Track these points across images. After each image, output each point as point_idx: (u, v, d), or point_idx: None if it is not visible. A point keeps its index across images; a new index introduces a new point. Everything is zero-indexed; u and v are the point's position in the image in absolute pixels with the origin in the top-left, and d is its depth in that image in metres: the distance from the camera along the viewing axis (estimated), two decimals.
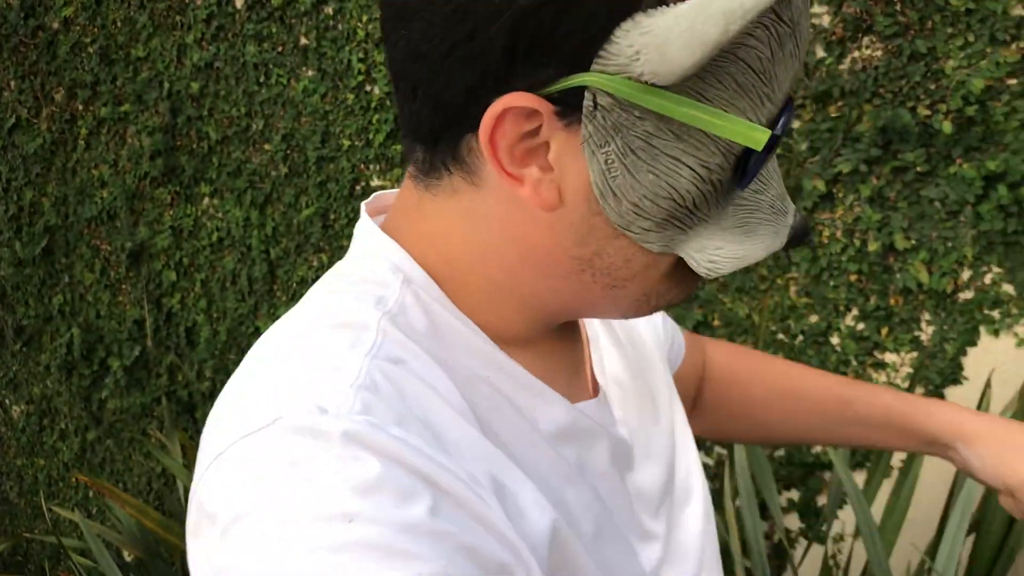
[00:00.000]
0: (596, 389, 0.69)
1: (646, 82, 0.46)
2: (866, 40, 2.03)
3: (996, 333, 1.96)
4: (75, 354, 3.56)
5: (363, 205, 0.63)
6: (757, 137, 0.48)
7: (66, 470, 3.81)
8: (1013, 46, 1.86)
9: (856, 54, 2.04)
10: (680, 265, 0.55)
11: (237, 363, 3.22)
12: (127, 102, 3.29)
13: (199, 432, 3.07)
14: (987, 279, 1.96)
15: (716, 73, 0.47)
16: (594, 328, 0.73)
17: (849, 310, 2.14)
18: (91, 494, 3.78)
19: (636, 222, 0.51)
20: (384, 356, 0.51)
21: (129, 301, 3.45)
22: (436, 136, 0.52)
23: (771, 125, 0.50)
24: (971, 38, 1.90)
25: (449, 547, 0.44)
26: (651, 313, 0.59)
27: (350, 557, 0.41)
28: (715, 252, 0.53)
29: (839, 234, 2.12)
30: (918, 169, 1.98)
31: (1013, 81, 1.87)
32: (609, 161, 0.49)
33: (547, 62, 0.46)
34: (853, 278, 2.12)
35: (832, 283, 2.14)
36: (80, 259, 3.54)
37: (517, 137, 0.49)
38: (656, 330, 0.84)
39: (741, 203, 0.54)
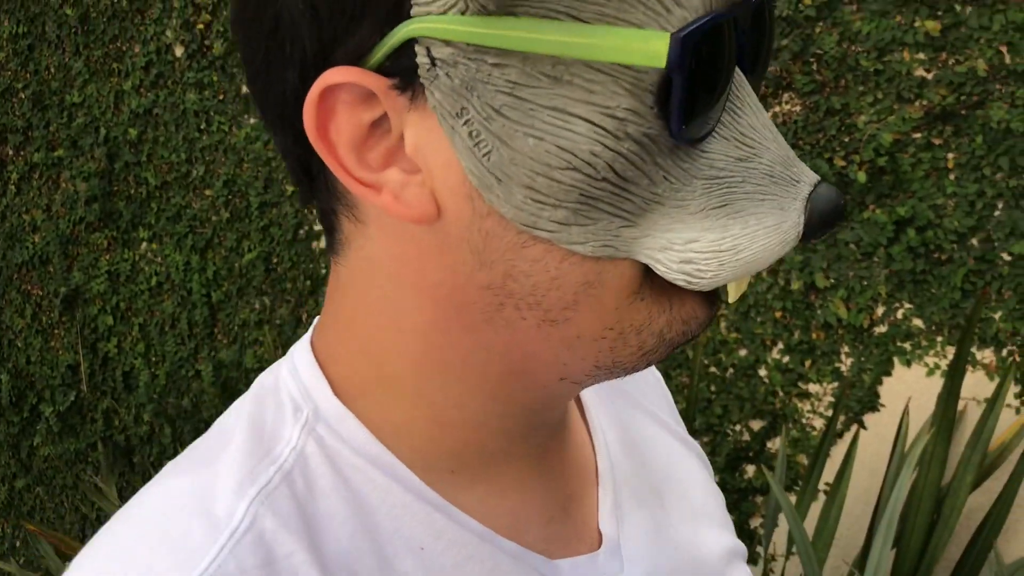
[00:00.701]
0: (600, 539, 0.51)
1: (483, 8, 0.34)
2: (786, 96, 2.21)
3: (908, 364, 2.14)
4: (3, 400, 3.52)
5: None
6: (651, 48, 0.34)
7: None
8: (917, 103, 2.06)
9: (777, 109, 2.22)
10: (652, 275, 0.40)
11: (176, 406, 3.24)
12: (61, 147, 3.30)
13: (136, 476, 3.08)
14: (899, 314, 2.14)
15: None
16: (611, 459, 0.55)
17: (775, 344, 2.30)
18: (18, 543, 3.71)
19: (540, 213, 0.36)
20: (242, 551, 0.40)
21: (62, 346, 3.43)
22: (307, 171, 0.42)
23: (685, 41, 0.34)
24: (880, 96, 2.09)
25: None
26: (647, 362, 0.42)
27: None
28: (688, 247, 0.37)
29: (764, 274, 2.28)
30: None
31: (918, 135, 2.07)
32: (474, 133, 0.36)
33: (357, 20, 0.35)
34: (778, 314, 2.28)
35: (759, 319, 2.30)
36: (9, 304, 3.51)
37: (360, 129, 0.37)
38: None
39: (715, 175, 0.38)
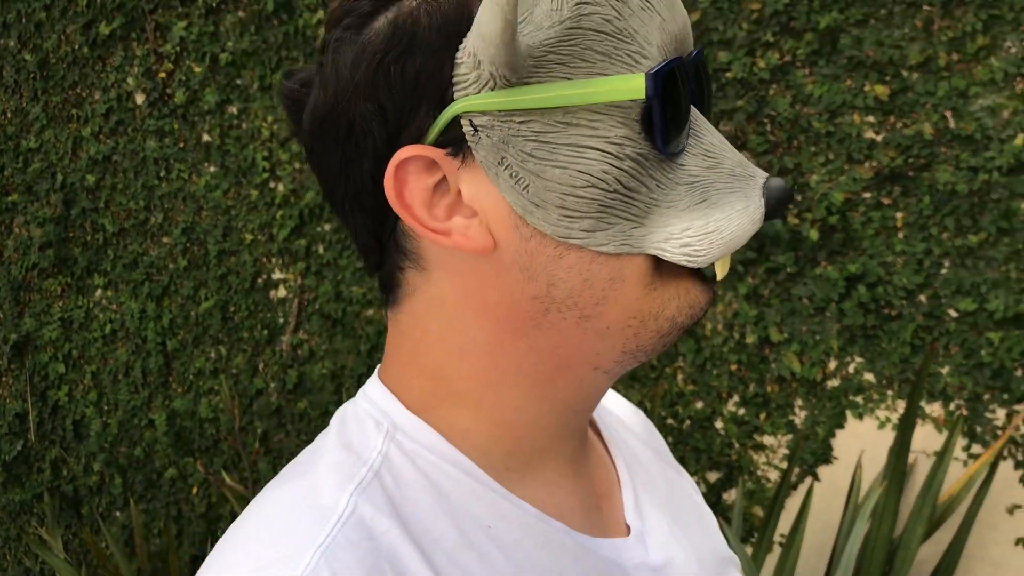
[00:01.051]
0: (628, 529, 0.62)
1: (504, 83, 0.46)
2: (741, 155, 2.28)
3: (860, 417, 2.19)
4: None
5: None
6: (633, 86, 0.46)
7: None
8: (867, 164, 2.13)
9: None
10: (661, 267, 0.51)
11: (128, 456, 3.18)
12: (16, 192, 3.27)
13: (84, 527, 3.01)
14: (851, 368, 2.20)
15: (573, 51, 0.46)
16: (628, 471, 0.66)
17: (731, 396, 2.34)
18: None
19: (573, 225, 0.48)
20: (349, 534, 0.48)
21: (10, 394, 3.37)
22: (378, 240, 0.53)
23: (655, 77, 0.48)
24: (831, 156, 2.17)
25: None
26: (663, 345, 0.53)
27: None
28: (684, 234, 0.49)
29: (720, 327, 2.33)
30: (788, 270, 2.22)
31: (868, 195, 2.13)
32: (514, 174, 0.47)
33: (415, 110, 0.47)
34: (734, 367, 2.32)
35: (715, 372, 2.34)
36: None
37: (427, 191, 0.48)
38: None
39: (693, 180, 0.50)
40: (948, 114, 2.06)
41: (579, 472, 0.60)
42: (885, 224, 2.12)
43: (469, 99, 0.47)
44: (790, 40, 2.19)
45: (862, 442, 2.18)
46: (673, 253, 0.49)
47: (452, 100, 0.47)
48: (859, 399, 2.19)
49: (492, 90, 0.46)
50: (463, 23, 0.47)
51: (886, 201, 2.13)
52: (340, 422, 0.57)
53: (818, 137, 2.17)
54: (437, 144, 0.48)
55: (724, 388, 2.34)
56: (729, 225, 0.50)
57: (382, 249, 0.53)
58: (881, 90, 2.10)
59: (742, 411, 2.32)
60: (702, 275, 0.53)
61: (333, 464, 0.52)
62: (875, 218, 2.12)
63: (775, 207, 0.51)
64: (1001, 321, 2.03)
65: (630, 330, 0.51)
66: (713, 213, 0.50)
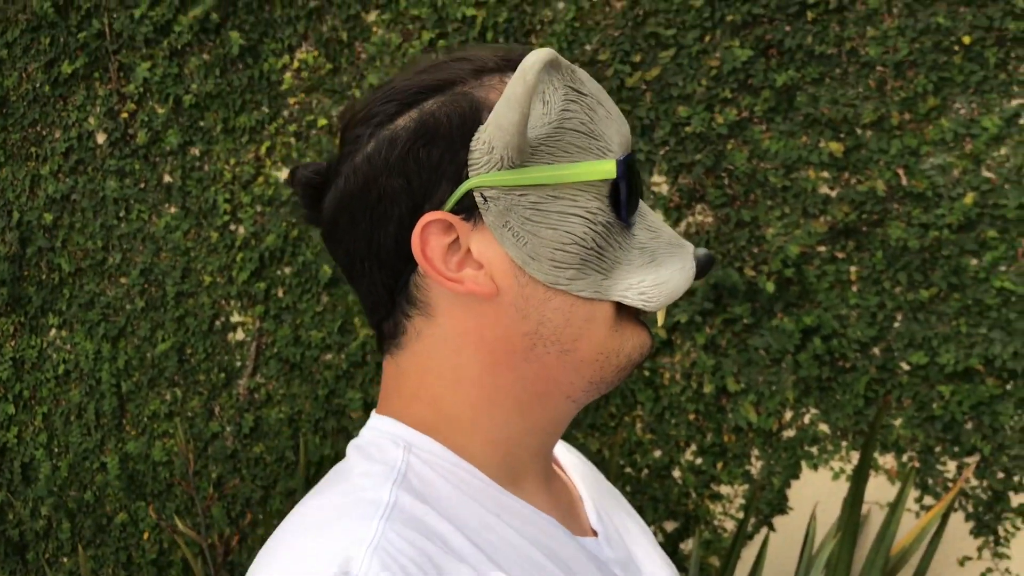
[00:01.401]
0: (595, 532, 0.74)
1: (509, 165, 0.60)
2: (699, 208, 2.32)
3: (815, 467, 2.21)
4: None
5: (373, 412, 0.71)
6: (606, 168, 0.62)
7: None
8: (822, 218, 2.17)
9: (691, 219, 2.32)
10: (621, 313, 0.65)
11: (78, 500, 3.12)
12: None
13: (30, 574, 2.94)
14: (806, 419, 2.22)
15: (558, 144, 0.61)
16: (587, 491, 0.78)
17: (688, 446, 2.36)
18: None
19: (560, 274, 0.62)
20: (397, 518, 0.57)
21: None
22: (391, 293, 0.65)
23: (621, 164, 0.64)
24: (787, 210, 2.21)
25: None
26: (619, 376, 0.66)
27: None
28: (640, 285, 0.63)
29: (678, 377, 2.35)
30: (745, 321, 2.25)
31: (823, 248, 2.18)
32: (516, 234, 0.61)
33: (437, 185, 0.61)
34: (692, 417, 2.34)
35: (673, 421, 2.36)
36: None
37: (444, 249, 0.61)
38: None
39: (643, 246, 0.65)
40: (900, 171, 2.12)
41: (549, 488, 0.72)
42: (839, 278, 2.17)
43: (480, 177, 0.60)
44: (748, 97, 2.24)
45: (817, 492, 2.20)
46: (633, 299, 0.63)
47: (467, 177, 0.61)
48: (814, 450, 2.21)
49: (499, 170, 0.60)
50: (475, 121, 0.61)
51: (840, 255, 2.17)
52: (357, 448, 0.67)
53: (774, 191, 2.22)
54: (453, 211, 0.61)
55: (682, 437, 2.35)
56: (672, 280, 0.65)
57: (392, 301, 0.65)
58: (836, 147, 2.15)
59: (699, 460, 2.34)
60: (644, 323, 0.67)
61: (365, 472, 0.62)
62: (830, 272, 2.16)
63: (702, 269, 0.67)
64: (952, 375, 2.07)
65: (597, 364, 0.64)
66: (660, 271, 0.65)
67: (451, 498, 0.62)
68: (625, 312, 0.65)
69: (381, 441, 0.66)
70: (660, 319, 0.69)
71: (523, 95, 0.59)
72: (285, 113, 2.86)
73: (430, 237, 0.61)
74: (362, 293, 0.67)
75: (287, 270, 2.87)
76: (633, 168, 0.65)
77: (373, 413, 0.70)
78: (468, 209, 0.61)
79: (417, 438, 0.65)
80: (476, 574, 0.57)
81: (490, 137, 0.60)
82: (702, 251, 0.68)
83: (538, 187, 0.61)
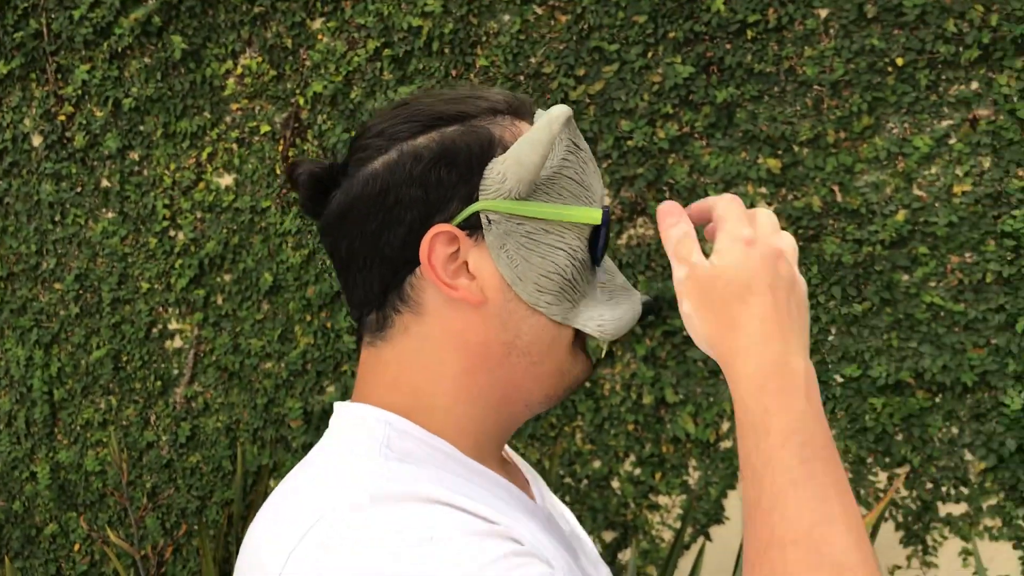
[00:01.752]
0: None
1: (516, 196, 0.69)
2: (640, 220, 2.34)
3: None
4: None
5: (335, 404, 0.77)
6: (593, 214, 0.72)
7: None
8: None
9: (632, 231, 2.35)
10: (576, 340, 0.74)
11: (6, 510, 3.04)
12: None
13: None
14: None
15: (556, 188, 0.71)
16: (530, 475, 0.87)
17: (627, 456, 2.38)
18: None
19: (541, 297, 0.71)
20: (393, 456, 0.67)
21: None
22: (385, 289, 0.72)
23: (605, 213, 0.74)
24: None
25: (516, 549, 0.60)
26: (565, 394, 0.76)
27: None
28: (600, 318, 0.73)
29: (618, 388, 2.37)
30: (684, 333, 2.28)
31: None
32: (510, 256, 0.70)
33: (450, 201, 0.69)
34: (631, 427, 2.36)
35: (612, 431, 2.38)
36: None
37: (446, 258, 0.69)
38: None
39: (603, 286, 0.75)
40: (835, 188, 2.17)
41: (506, 470, 0.79)
42: None
43: (489, 201, 0.69)
44: (689, 112, 2.28)
45: None
46: (592, 329, 0.72)
47: (477, 199, 0.69)
48: None
49: (506, 199, 0.69)
50: (490, 152, 0.70)
51: None
52: (337, 429, 0.73)
53: None
54: (459, 226, 0.69)
55: (621, 448, 2.37)
56: (624, 317, 0.74)
57: (384, 296, 0.72)
58: (773, 163, 2.20)
59: (638, 471, 2.36)
60: (587, 352, 0.77)
61: (352, 440, 0.69)
62: None
63: (646, 312, 0.74)
64: (883, 387, 2.12)
65: (554, 379, 0.73)
66: (616, 309, 0.74)
67: (429, 461, 0.69)
68: (579, 339, 0.74)
69: (361, 421, 0.71)
70: (603, 350, 0.82)
71: (547, 141, 0.69)
72: (227, 119, 2.83)
73: (436, 245, 0.68)
74: (353, 285, 0.74)
75: (227, 277, 2.84)
76: (609, 218, 0.75)
77: (345, 403, 0.75)
78: (473, 227, 0.69)
79: (395, 418, 0.71)
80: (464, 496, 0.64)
81: (506, 169, 0.69)
82: (646, 298, 0.79)
83: (535, 220, 0.70)
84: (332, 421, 0.75)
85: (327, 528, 0.60)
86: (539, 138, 0.69)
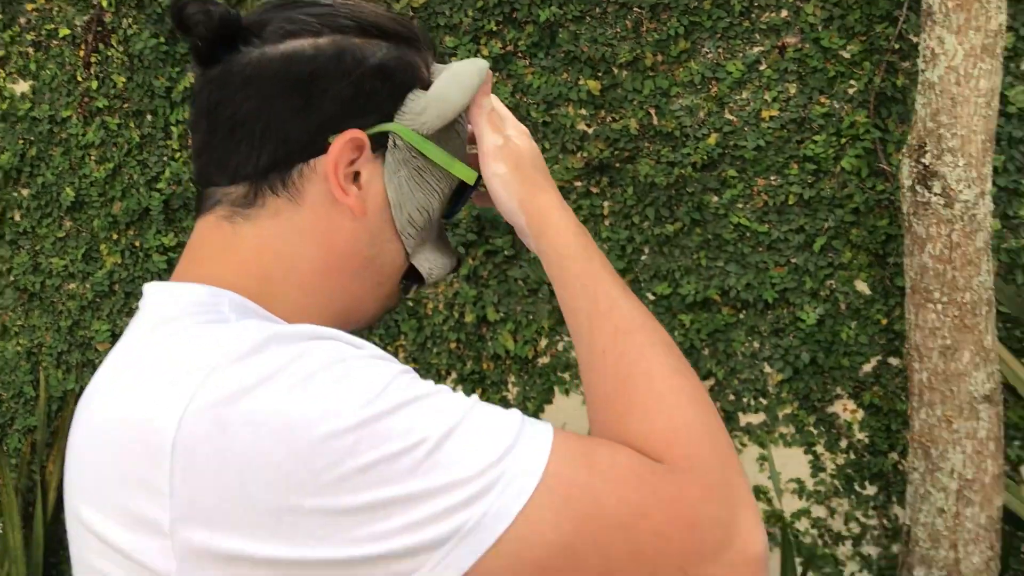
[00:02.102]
0: None
1: (425, 132, 0.72)
2: None
3: (567, 392, 2.32)
4: None
5: (146, 286, 0.72)
6: (471, 174, 0.76)
7: None
8: (579, 155, 2.25)
9: None
10: (403, 275, 0.79)
11: None
12: None
13: None
14: (560, 346, 2.32)
15: (449, 136, 0.75)
16: None
17: (449, 374, 2.40)
18: None
19: (408, 228, 0.75)
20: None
21: None
22: (270, 168, 0.70)
23: (478, 177, 0.79)
24: (547, 145, 2.27)
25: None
26: (384, 315, 0.80)
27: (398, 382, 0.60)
28: (431, 263, 0.78)
29: (441, 307, 2.38)
30: (506, 253, 2.30)
31: (579, 183, 2.25)
32: (400, 182, 0.73)
33: (370, 113, 0.71)
34: (453, 345, 2.38)
35: (435, 350, 2.39)
36: None
37: (347, 161, 0.70)
38: None
39: (437, 238, 0.81)
40: (652, 111, 2.22)
41: None
42: (593, 212, 2.25)
43: (402, 127, 0.72)
44: (512, 30, 2.27)
45: (567, 416, 2.31)
46: (424, 270, 0.78)
47: (392, 120, 0.72)
48: (566, 376, 2.31)
49: (416, 131, 0.72)
50: (414, 82, 0.73)
51: (595, 190, 2.25)
52: (162, 303, 0.68)
53: (536, 127, 2.27)
54: (369, 139, 0.71)
55: (443, 366, 2.39)
56: (446, 268, 0.80)
57: (265, 174, 0.70)
58: (593, 85, 2.22)
59: (459, 388, 2.39)
60: (403, 287, 0.82)
61: (194, 311, 0.65)
62: (584, 206, 2.24)
63: (455, 269, 0.83)
64: (692, 304, 2.22)
65: (382, 303, 0.77)
66: (442, 259, 0.80)
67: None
68: (405, 277, 0.79)
69: (196, 299, 0.67)
70: (409, 293, 0.85)
71: (472, 88, 0.73)
72: (22, 20, 2.62)
73: (345, 146, 0.69)
74: (227, 150, 0.70)
75: (24, 192, 2.65)
76: (478, 183, 0.79)
77: (163, 283, 0.71)
78: (378, 144, 0.72)
79: (232, 296, 0.68)
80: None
81: (427, 103, 0.72)
82: (459, 254, 0.85)
83: (427, 159, 0.74)
84: (148, 302, 0.70)
85: (221, 378, 0.57)
86: (468, 83, 0.73)
